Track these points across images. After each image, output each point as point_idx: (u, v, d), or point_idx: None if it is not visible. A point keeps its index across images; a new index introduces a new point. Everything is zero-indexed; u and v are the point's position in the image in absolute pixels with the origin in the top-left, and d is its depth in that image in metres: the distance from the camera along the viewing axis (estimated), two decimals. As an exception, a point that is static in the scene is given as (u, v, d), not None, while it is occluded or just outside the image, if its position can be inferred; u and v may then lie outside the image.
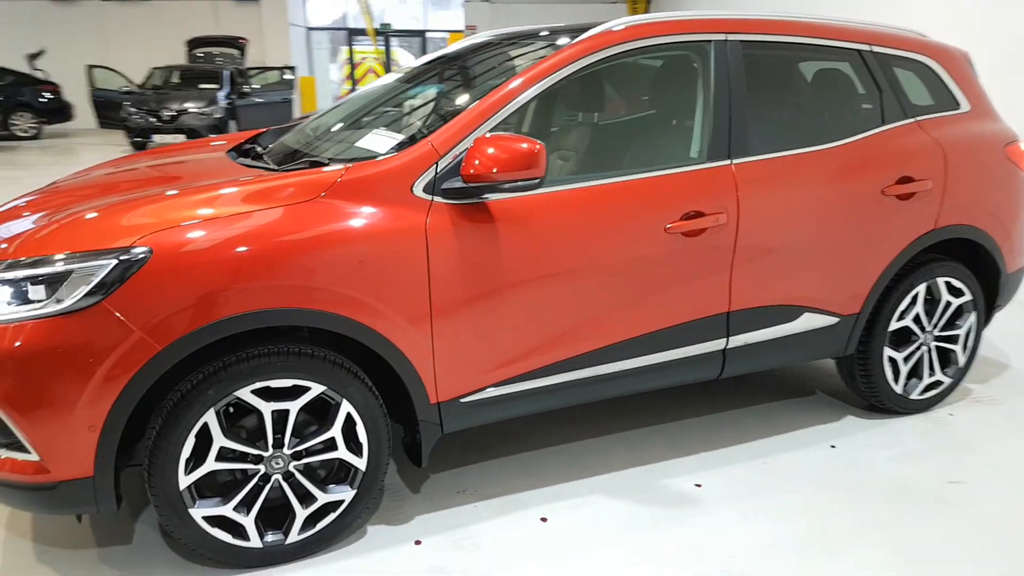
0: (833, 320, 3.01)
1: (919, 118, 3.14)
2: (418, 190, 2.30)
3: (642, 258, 2.58)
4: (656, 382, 2.78)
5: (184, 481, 2.15)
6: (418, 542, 2.45)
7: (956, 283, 3.25)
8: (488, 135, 2.29)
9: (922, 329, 3.26)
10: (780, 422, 3.25)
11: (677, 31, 2.75)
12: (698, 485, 2.78)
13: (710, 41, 2.79)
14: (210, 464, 2.17)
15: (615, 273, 2.55)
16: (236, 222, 2.11)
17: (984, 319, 3.44)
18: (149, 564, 2.34)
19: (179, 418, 2.10)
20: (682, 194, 2.64)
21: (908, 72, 3.23)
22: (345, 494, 2.37)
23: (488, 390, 2.47)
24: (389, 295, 2.24)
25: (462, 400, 2.44)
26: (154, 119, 12.34)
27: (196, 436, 2.14)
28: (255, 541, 2.28)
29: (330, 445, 2.31)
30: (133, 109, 12.45)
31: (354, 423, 2.32)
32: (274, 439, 2.24)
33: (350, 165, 2.32)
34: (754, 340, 2.87)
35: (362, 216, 2.23)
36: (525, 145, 2.21)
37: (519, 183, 2.24)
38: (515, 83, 2.49)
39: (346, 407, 2.29)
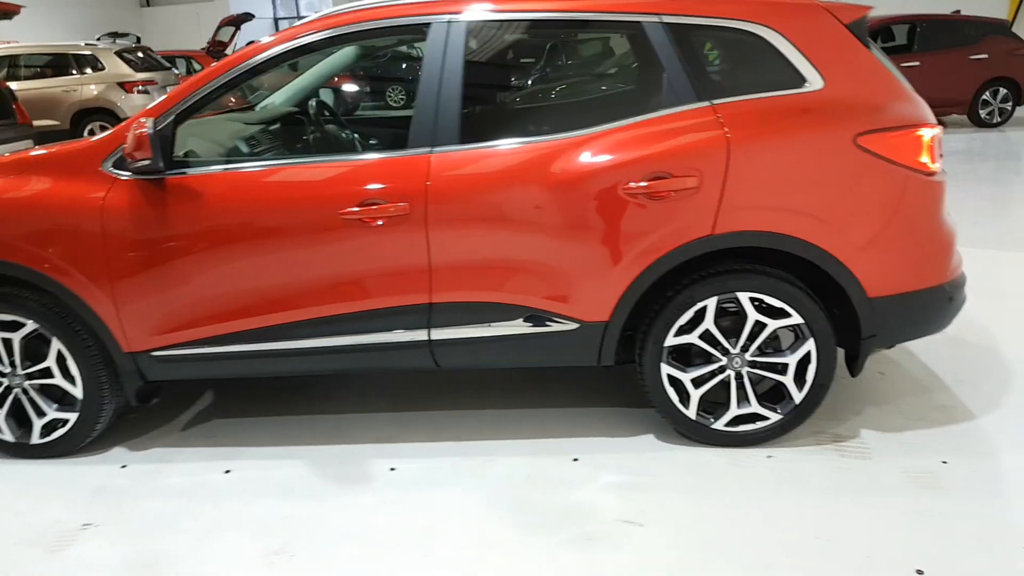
0: (571, 325, 2.72)
1: (717, 101, 2.62)
2: (106, 167, 2.73)
3: (317, 241, 2.67)
4: (365, 363, 2.85)
5: None
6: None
7: (771, 301, 2.68)
8: (144, 119, 2.61)
9: (724, 351, 2.76)
10: (562, 427, 3.03)
11: (397, 15, 2.72)
12: (393, 469, 2.82)
13: (429, 24, 2.70)
14: None
15: (291, 253, 2.69)
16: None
17: (859, 354, 2.77)
18: None
19: None
20: (361, 181, 2.65)
21: (727, 43, 2.70)
22: (69, 415, 2.93)
23: (178, 348, 2.82)
24: (72, 256, 2.72)
25: (153, 354, 2.83)
26: None
27: None
28: None
29: (47, 374, 2.89)
30: None
31: (65, 358, 2.86)
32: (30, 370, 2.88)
33: (65, 143, 2.83)
34: (465, 335, 2.75)
35: (55, 187, 2.73)
36: (136, 130, 2.50)
37: (139, 164, 2.55)
38: (213, 66, 2.75)
39: (57, 344, 2.84)
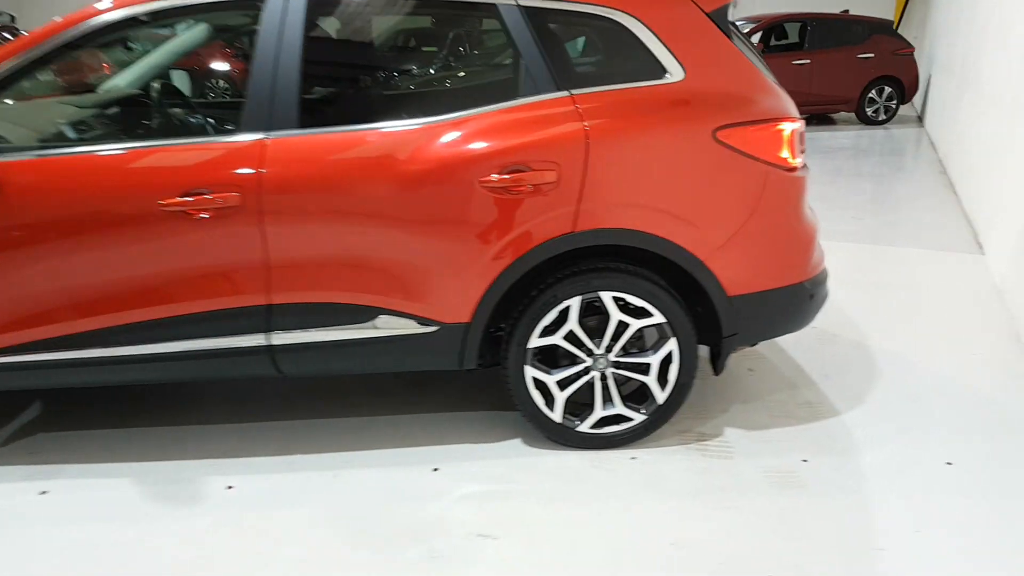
0: (430, 328, 2.56)
1: (577, 91, 2.50)
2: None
3: (135, 236, 2.41)
4: (198, 371, 2.61)
5: None
6: None
7: (634, 300, 2.58)
8: None
9: (589, 352, 2.65)
10: (425, 435, 2.86)
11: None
12: (230, 487, 2.58)
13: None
14: None
15: (106, 250, 2.42)
16: None
17: (721, 352, 2.70)
18: None
19: None
20: (185, 169, 2.41)
21: (586, 30, 2.58)
22: None
23: (-19, 357, 2.51)
24: None
25: (-46, 362, 2.51)
26: None
27: None
28: None
29: None
30: None
31: None
32: None
33: None
34: (310, 340, 2.55)
35: None
36: None
37: None
38: (13, 42, 2.46)
39: None
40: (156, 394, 3.20)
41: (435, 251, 2.48)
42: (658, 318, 2.61)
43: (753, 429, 2.89)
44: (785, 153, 2.59)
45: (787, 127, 2.60)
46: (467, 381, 3.25)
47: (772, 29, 11.46)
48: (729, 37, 2.60)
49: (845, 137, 10.34)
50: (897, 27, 13.15)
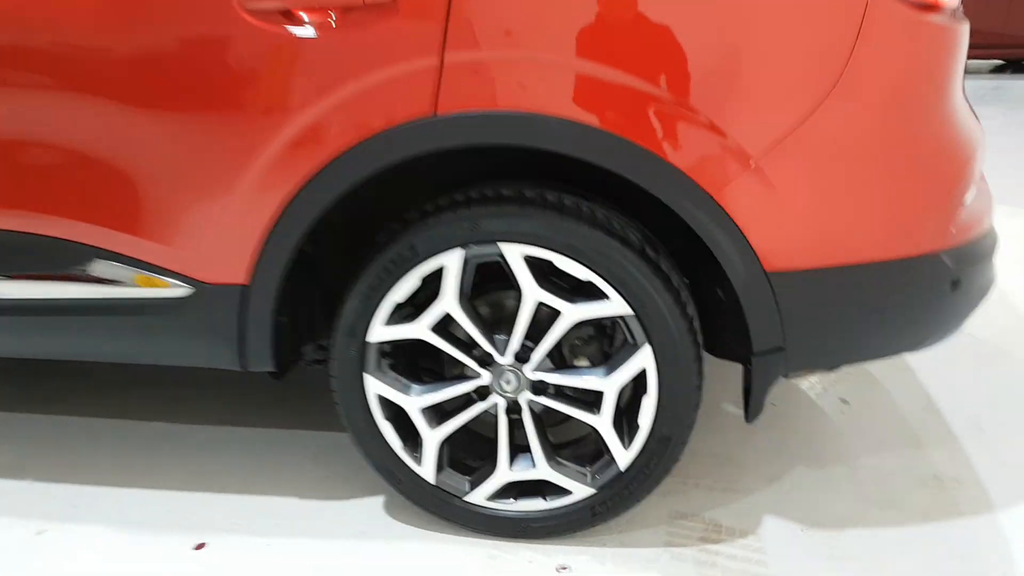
0: (179, 290, 1.39)
1: None
2: None
3: None
4: None
5: None
6: None
7: (568, 265, 1.30)
8: None
9: (484, 360, 1.40)
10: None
11: None
12: None
13: None
14: None
15: None
16: None
17: (753, 381, 1.37)
18: None
19: None
20: None
21: None
22: None
23: None
24: None
25: None
26: None
27: None
28: None
29: None
30: None
31: None
32: None
33: None
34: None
35: None
36: None
37: None
38: None
39: None
40: None
41: (170, 145, 1.30)
42: (617, 304, 1.31)
43: (821, 526, 1.53)
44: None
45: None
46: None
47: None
48: None
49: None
50: None
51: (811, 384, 2.07)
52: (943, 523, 1.55)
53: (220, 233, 1.33)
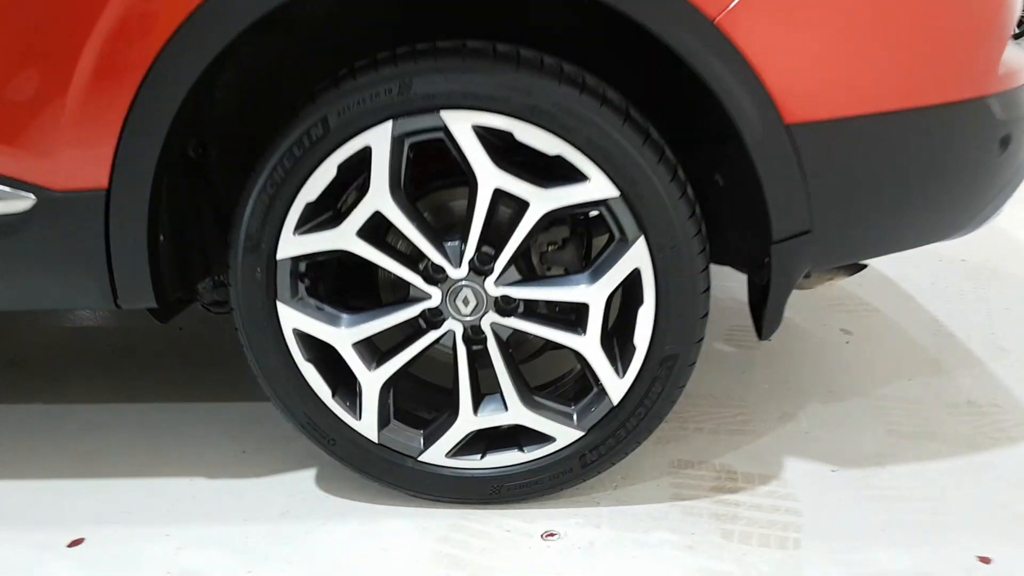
0: (21, 201, 1.03)
1: None
2: None
3: None
4: None
5: None
6: None
7: (529, 136, 0.99)
8: None
9: (433, 275, 1.08)
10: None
11: None
12: None
13: None
14: None
15: None
16: None
17: (770, 283, 1.08)
18: None
19: None
20: None
21: None
22: None
23: None
24: None
25: None
26: None
27: None
28: None
29: None
30: None
31: None
32: None
33: None
34: None
35: None
36: None
37: None
38: None
39: None
40: None
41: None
42: (601, 186, 1.01)
43: (854, 465, 1.26)
44: None
45: None
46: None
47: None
48: None
49: None
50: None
51: (804, 317, 1.82)
52: (992, 451, 1.31)
53: (64, 121, 0.99)
